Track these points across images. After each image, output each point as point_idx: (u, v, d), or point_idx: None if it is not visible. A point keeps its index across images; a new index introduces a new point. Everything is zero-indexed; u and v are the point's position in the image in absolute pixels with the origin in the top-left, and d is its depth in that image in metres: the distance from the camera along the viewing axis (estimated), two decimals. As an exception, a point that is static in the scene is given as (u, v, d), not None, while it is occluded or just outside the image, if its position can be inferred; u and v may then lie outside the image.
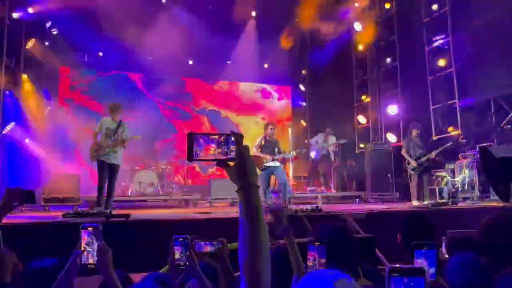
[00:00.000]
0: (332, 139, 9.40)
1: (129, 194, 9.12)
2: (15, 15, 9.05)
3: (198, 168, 12.61)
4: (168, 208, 7.98)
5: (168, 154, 10.31)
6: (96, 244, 1.56)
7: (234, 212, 6.14)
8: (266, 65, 13.52)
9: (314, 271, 1.55)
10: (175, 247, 1.80)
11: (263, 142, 7.10)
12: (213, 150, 1.10)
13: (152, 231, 4.36)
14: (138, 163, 9.94)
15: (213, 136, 1.11)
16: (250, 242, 1.00)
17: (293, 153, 7.03)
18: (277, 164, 6.92)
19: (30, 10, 9.39)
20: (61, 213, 4.85)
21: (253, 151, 6.94)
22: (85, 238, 1.57)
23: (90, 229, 1.58)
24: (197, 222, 4.92)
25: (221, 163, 1.12)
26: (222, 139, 1.11)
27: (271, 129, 7.16)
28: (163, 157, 10.11)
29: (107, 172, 6.21)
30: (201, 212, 6.15)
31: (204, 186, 9.61)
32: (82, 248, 1.56)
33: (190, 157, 1.09)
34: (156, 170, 9.72)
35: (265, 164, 6.88)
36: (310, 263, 1.70)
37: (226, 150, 1.10)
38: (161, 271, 2.18)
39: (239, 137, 1.09)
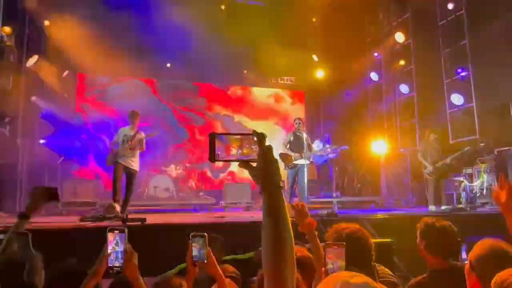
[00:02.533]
0: (328, 146, 9.10)
1: (144, 198, 9.20)
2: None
3: (209, 173, 12.65)
4: (183, 212, 8.01)
5: (182, 159, 10.36)
6: (122, 247, 1.58)
7: (248, 216, 6.13)
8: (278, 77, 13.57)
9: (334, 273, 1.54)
10: (193, 244, 1.81)
11: (291, 138, 6.97)
12: (235, 151, 1.07)
13: (168, 235, 4.38)
14: (153, 168, 10.03)
15: (235, 137, 1.08)
16: (274, 243, 0.97)
17: (328, 149, 6.84)
18: (306, 162, 6.79)
19: (47, 23, 9.53)
20: (78, 217, 4.92)
21: (282, 148, 6.86)
22: (111, 241, 1.59)
23: (116, 232, 1.60)
24: (213, 226, 4.93)
25: (244, 164, 1.08)
26: (244, 139, 1.08)
27: (297, 123, 7.08)
28: (177, 162, 10.17)
29: (124, 175, 6.28)
30: (217, 216, 6.16)
31: (218, 191, 9.64)
32: (109, 251, 1.58)
33: (212, 158, 1.07)
34: (171, 175, 9.79)
35: (294, 162, 6.74)
36: (329, 266, 1.69)
37: (248, 150, 1.07)
38: (178, 267, 2.19)
39: (262, 136, 1.06)
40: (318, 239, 2.06)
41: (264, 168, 1.04)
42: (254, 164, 1.06)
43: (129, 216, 5.25)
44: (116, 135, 6.54)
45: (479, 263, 1.71)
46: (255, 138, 1.06)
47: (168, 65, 11.71)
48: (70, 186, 7.75)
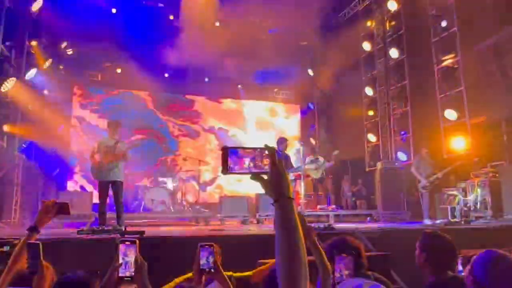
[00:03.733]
0: (321, 159, 9.17)
1: (141, 211, 9.18)
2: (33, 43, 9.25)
3: (197, 187, 12.61)
4: (179, 225, 8.00)
5: (178, 172, 10.37)
6: (132, 257, 1.62)
7: (245, 229, 6.15)
8: (275, 90, 13.77)
9: (346, 280, 1.60)
10: (201, 253, 1.85)
11: None
12: (247, 164, 1.11)
13: (167, 248, 4.39)
14: (150, 181, 10.04)
15: (247, 150, 1.12)
16: (288, 253, 1.01)
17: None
18: (292, 177, 6.86)
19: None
20: (73, 230, 4.91)
21: None
22: (122, 251, 1.63)
23: (127, 243, 1.64)
24: (211, 239, 4.93)
25: (255, 176, 1.12)
26: (256, 152, 1.12)
27: (282, 144, 7.16)
28: (174, 174, 10.18)
29: (110, 190, 6.14)
30: (214, 230, 6.17)
31: (215, 204, 9.65)
32: (120, 261, 1.62)
33: (225, 171, 1.10)
34: (167, 187, 9.79)
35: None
36: (337, 274, 1.75)
37: (260, 163, 1.11)
38: (183, 277, 2.22)
39: (273, 150, 1.11)
40: (318, 243, 2.12)
41: (276, 180, 1.08)
42: (265, 177, 1.10)
43: (127, 229, 5.25)
44: (94, 147, 6.32)
45: (484, 273, 1.76)
46: (267, 152, 1.11)
47: (166, 75, 11.83)
48: (66, 199, 7.71)
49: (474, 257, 1.89)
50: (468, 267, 1.87)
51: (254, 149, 1.12)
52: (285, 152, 7.23)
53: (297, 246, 1.02)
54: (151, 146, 11.49)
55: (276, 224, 1.06)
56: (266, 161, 1.11)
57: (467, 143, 8.77)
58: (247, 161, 1.11)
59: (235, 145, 1.16)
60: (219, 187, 12.92)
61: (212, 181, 12.91)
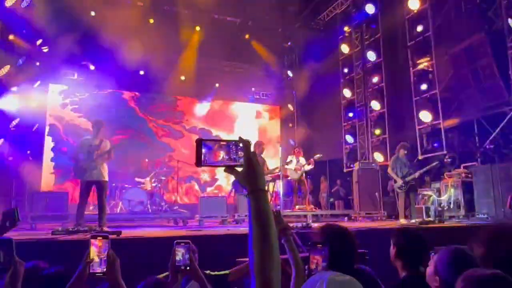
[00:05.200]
0: (302, 160, 9.27)
1: (118, 212, 9.05)
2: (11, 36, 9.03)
3: (197, 187, 12.66)
4: (157, 226, 7.92)
5: (158, 172, 10.27)
6: (104, 253, 1.61)
7: (224, 230, 6.14)
8: (253, 89, 13.86)
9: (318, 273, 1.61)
10: (176, 250, 1.85)
11: None
12: (221, 156, 1.12)
13: (144, 248, 4.35)
14: (128, 181, 9.90)
15: (221, 142, 1.13)
16: (260, 247, 1.03)
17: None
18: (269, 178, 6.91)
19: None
20: (47, 231, 4.81)
21: None
22: (93, 247, 1.61)
23: (99, 238, 1.63)
24: (188, 239, 4.91)
25: (230, 169, 1.13)
26: (230, 145, 1.13)
27: (258, 146, 7.22)
28: (152, 175, 10.07)
29: (95, 190, 6.13)
30: (192, 230, 6.14)
31: (194, 205, 9.61)
32: (92, 257, 1.61)
33: (199, 163, 1.11)
34: (146, 188, 9.68)
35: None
36: (312, 266, 1.76)
37: (234, 156, 1.12)
38: (159, 276, 2.21)
39: (247, 143, 1.12)
40: (294, 244, 2.15)
41: (250, 172, 1.10)
42: (239, 169, 1.12)
43: (104, 230, 5.18)
44: (78, 146, 6.30)
45: (444, 266, 1.82)
46: (241, 144, 1.12)
47: (142, 72, 11.71)
48: (41, 199, 7.53)
49: (435, 257, 1.93)
50: (431, 268, 1.92)
51: (229, 141, 1.13)
52: (261, 156, 7.29)
53: (269, 237, 1.04)
54: (132, 146, 11.39)
55: (249, 215, 1.08)
56: (241, 153, 1.12)
57: (441, 144, 9.01)
58: (221, 153, 1.12)
59: (209, 138, 1.16)
60: (218, 188, 13.00)
61: (213, 181, 13.11)
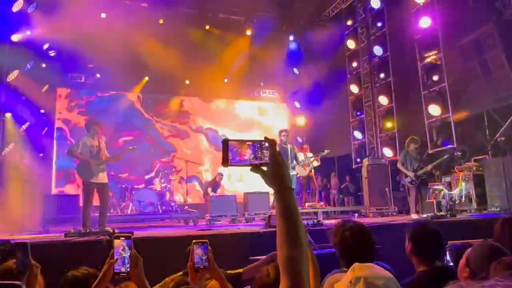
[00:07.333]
0: (309, 155, 9.24)
1: (129, 213, 9.10)
2: (15, 37, 9.10)
3: (198, 187, 12.68)
4: (168, 226, 7.96)
5: (167, 173, 10.32)
6: (128, 253, 1.62)
7: (235, 229, 6.15)
8: (262, 83, 13.84)
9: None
10: (195, 250, 1.85)
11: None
12: (247, 156, 1.13)
13: (156, 248, 4.37)
14: (137, 182, 9.96)
15: (247, 142, 1.14)
16: (290, 242, 1.03)
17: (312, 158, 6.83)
18: (293, 172, 6.82)
19: (28, 33, 9.44)
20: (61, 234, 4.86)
21: None
22: (118, 247, 1.62)
23: (122, 238, 1.64)
24: (201, 238, 4.92)
25: (255, 168, 1.13)
26: (255, 144, 1.13)
27: (283, 135, 7.13)
28: (162, 175, 10.12)
29: (98, 192, 6.18)
30: (203, 229, 6.16)
31: (204, 204, 9.63)
32: (116, 257, 1.62)
33: (226, 163, 1.12)
34: (155, 188, 9.72)
35: None
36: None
37: (260, 155, 1.13)
38: (175, 275, 2.21)
39: (273, 142, 1.13)
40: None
41: (276, 172, 1.10)
42: (265, 169, 1.12)
43: (116, 231, 5.21)
44: (75, 145, 6.30)
45: (477, 259, 1.82)
46: (267, 144, 1.13)
47: (147, 78, 11.79)
48: (53, 202, 7.60)
49: (468, 250, 1.94)
50: (463, 261, 1.92)
51: (254, 141, 1.14)
52: (287, 144, 7.21)
53: (299, 236, 1.05)
54: (139, 147, 11.46)
55: (277, 215, 1.08)
56: (266, 152, 1.13)
57: (451, 138, 8.92)
58: (247, 153, 1.13)
59: (235, 138, 1.17)
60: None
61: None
